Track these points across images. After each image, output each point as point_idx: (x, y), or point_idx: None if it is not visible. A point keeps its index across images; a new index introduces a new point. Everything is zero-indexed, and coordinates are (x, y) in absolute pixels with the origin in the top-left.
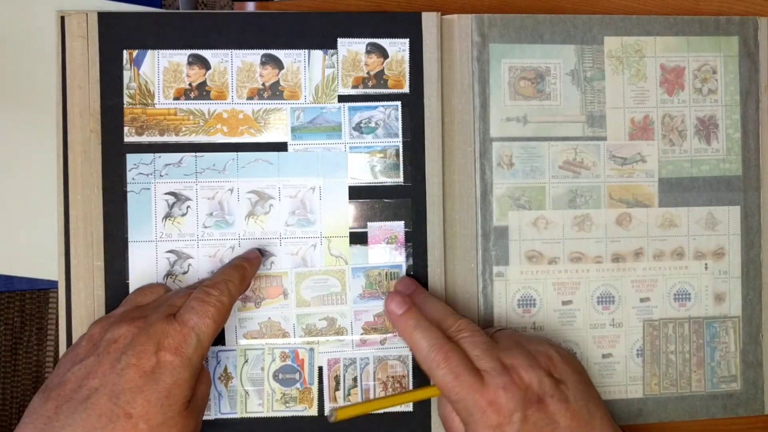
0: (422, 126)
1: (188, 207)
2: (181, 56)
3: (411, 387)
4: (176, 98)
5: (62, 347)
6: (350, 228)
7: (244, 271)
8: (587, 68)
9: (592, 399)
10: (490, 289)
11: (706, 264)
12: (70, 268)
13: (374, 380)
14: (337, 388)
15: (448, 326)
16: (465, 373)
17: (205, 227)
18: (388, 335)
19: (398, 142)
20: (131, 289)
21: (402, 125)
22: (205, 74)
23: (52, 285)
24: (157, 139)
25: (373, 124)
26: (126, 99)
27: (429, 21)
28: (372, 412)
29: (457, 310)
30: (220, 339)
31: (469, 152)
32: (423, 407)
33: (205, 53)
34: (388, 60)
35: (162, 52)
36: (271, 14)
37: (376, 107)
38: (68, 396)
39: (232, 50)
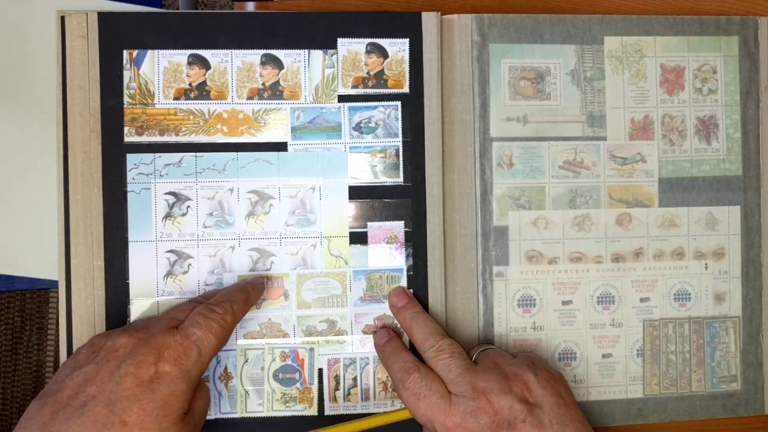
0: (422, 126)
1: (188, 207)
2: (181, 56)
3: None
4: (176, 98)
5: (62, 347)
6: (350, 228)
7: (248, 295)
8: (587, 68)
9: (572, 422)
10: (490, 289)
11: (706, 264)
12: (70, 268)
13: (374, 380)
14: (337, 388)
15: (429, 347)
16: (430, 395)
17: (205, 227)
18: None
19: (398, 142)
20: (131, 289)
21: (402, 125)
22: (205, 74)
23: (53, 285)
24: (157, 139)
25: (373, 124)
26: (126, 99)
27: (429, 21)
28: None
29: (457, 311)
30: None
31: (469, 152)
32: None
33: (205, 53)
34: (388, 60)
35: (162, 52)
36: (271, 14)
37: (376, 107)
38: (65, 402)
39: (232, 50)
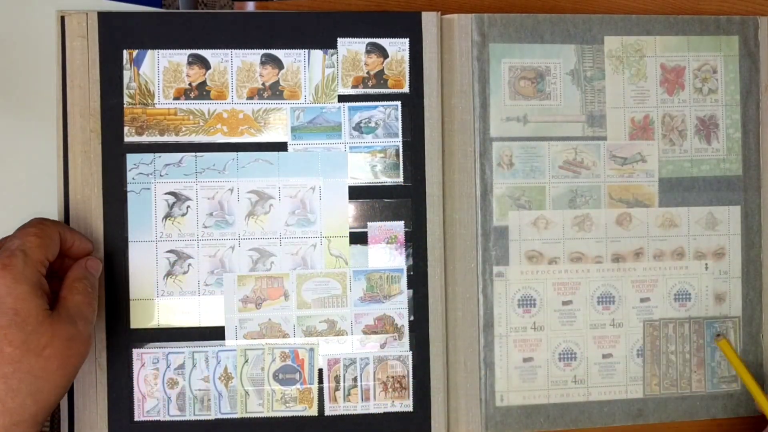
0: (422, 126)
1: (188, 207)
2: (181, 56)
3: (411, 386)
4: (176, 98)
5: None
6: (350, 228)
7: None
8: (587, 68)
9: None
10: (490, 289)
11: (706, 264)
12: None
13: (374, 380)
14: (337, 388)
15: None
16: None
17: (205, 227)
18: (388, 338)
19: (398, 142)
20: (131, 289)
21: (402, 125)
22: (205, 74)
23: None
24: (157, 139)
25: (373, 124)
26: (126, 99)
27: (429, 21)
28: None
29: (457, 311)
30: (220, 338)
31: (469, 152)
32: (423, 407)
33: (205, 53)
34: (388, 60)
35: (162, 52)
36: (270, 14)
37: (376, 107)
38: None
39: (232, 50)
